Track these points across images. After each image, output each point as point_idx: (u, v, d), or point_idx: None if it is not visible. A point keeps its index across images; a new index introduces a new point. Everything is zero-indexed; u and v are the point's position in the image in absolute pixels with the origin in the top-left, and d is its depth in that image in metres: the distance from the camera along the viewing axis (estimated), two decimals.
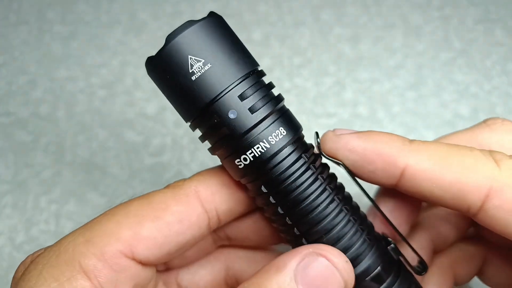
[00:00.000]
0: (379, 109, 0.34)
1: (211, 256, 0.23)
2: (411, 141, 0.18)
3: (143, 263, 0.18)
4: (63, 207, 0.31)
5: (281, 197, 0.17)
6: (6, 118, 0.35)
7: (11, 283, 0.18)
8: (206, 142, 0.19)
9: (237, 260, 0.23)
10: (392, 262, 0.18)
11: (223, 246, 0.23)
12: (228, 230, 0.22)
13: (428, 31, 0.39)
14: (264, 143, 0.17)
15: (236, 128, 0.17)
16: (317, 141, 0.19)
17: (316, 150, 0.19)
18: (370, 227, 0.19)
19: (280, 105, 0.18)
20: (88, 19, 0.39)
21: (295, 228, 0.18)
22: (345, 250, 0.17)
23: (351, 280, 0.17)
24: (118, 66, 0.37)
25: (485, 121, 0.21)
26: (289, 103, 0.35)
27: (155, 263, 0.19)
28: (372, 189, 0.21)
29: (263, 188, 0.17)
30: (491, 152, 0.17)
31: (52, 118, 0.34)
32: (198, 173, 0.20)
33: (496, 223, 0.17)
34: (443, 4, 0.41)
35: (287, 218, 0.18)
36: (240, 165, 0.17)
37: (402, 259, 0.19)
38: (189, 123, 0.18)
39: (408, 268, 0.19)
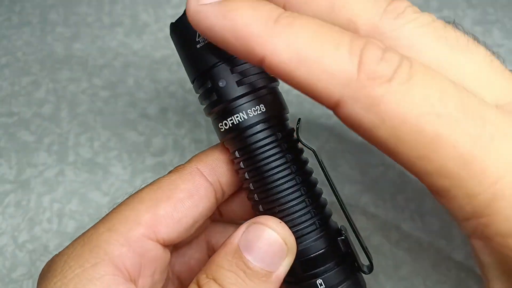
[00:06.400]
0: None
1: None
2: (276, 20, 0.15)
3: (165, 243, 0.20)
4: (66, 206, 0.31)
5: (249, 165, 0.20)
6: (9, 118, 0.35)
7: (38, 280, 0.19)
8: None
9: (214, 235, 0.25)
10: (335, 252, 0.19)
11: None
12: (221, 205, 0.24)
13: None
14: (243, 114, 0.19)
15: (222, 96, 0.19)
16: (296, 126, 0.21)
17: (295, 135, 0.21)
18: (326, 215, 0.20)
19: (270, 85, 0.20)
20: (90, 21, 0.40)
21: (255, 194, 0.20)
22: (291, 227, 0.19)
23: (291, 239, 0.19)
24: (120, 67, 0.37)
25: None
26: (288, 104, 0.35)
27: (176, 241, 0.20)
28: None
29: (236, 153, 0.20)
30: (365, 46, 0.14)
31: (54, 118, 0.35)
32: (195, 155, 0.22)
33: (349, 125, 0.15)
34: (441, 6, 0.41)
35: (251, 183, 0.20)
36: (222, 128, 0.20)
37: (353, 253, 0.20)
38: (192, 85, 0.21)
39: (356, 264, 0.20)
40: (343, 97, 0.14)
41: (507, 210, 0.14)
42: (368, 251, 0.20)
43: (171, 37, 0.20)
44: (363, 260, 0.21)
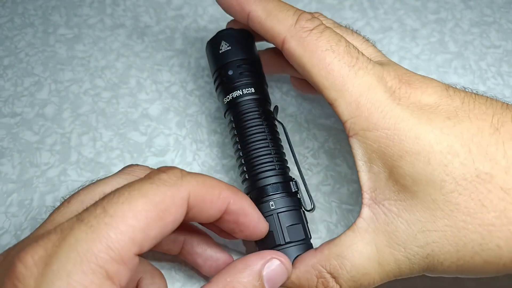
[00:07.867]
0: None
1: None
2: None
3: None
4: None
5: (238, 125, 0.28)
6: (12, 119, 0.35)
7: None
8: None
9: (144, 272, 0.26)
10: (287, 188, 0.27)
11: None
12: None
13: (424, 34, 0.40)
14: (240, 91, 0.29)
15: (229, 80, 0.29)
16: (273, 108, 0.30)
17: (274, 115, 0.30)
18: (285, 166, 0.28)
19: (260, 81, 0.29)
20: (92, 22, 0.40)
21: (239, 145, 0.28)
22: (259, 164, 0.27)
23: (291, 271, 0.24)
24: (122, 68, 0.38)
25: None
26: (288, 104, 0.36)
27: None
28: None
29: (231, 117, 0.29)
30: (302, 13, 0.25)
31: (57, 119, 0.35)
32: (192, 176, 0.22)
33: (288, 57, 0.25)
34: (439, 8, 0.41)
35: (237, 137, 0.28)
36: (225, 101, 0.29)
37: (300, 195, 0.27)
38: (212, 77, 0.31)
39: (301, 203, 0.27)
40: (287, 36, 0.25)
41: (365, 113, 0.23)
42: (311, 198, 0.27)
43: (206, 49, 0.31)
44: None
